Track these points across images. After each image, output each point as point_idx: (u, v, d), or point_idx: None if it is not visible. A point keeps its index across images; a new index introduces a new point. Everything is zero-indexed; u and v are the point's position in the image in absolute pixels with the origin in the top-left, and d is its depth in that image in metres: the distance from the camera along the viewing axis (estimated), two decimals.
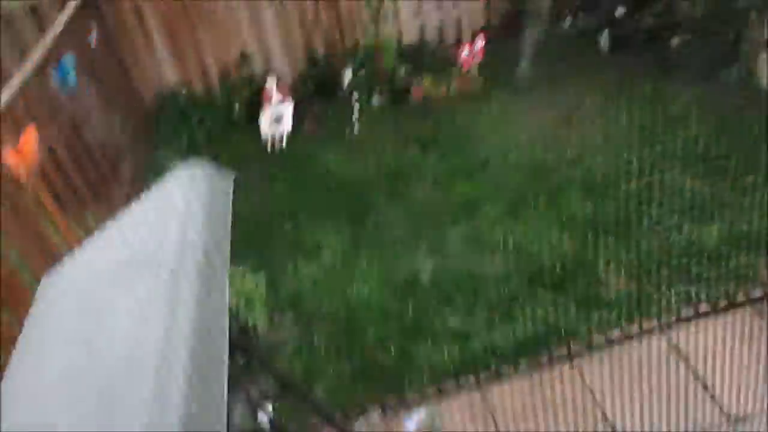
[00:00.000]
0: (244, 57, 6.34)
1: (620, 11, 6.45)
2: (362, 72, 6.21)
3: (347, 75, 6.25)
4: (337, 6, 6.33)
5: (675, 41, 6.02)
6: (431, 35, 6.77)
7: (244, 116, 6.26)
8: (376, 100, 6.15)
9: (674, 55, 5.93)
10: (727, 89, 5.48)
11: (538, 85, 6.01)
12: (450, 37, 6.82)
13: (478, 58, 6.07)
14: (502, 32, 6.71)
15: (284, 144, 5.93)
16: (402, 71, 6.20)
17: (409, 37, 6.69)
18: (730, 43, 5.43)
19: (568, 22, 6.67)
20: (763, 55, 5.40)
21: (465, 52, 6.05)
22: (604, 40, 6.39)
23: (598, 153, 5.19)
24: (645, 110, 5.51)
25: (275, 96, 6.04)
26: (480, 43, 6.05)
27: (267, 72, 6.32)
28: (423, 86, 6.07)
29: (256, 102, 6.14)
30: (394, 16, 6.52)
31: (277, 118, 5.97)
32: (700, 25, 5.63)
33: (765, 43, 5.33)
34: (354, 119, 6.01)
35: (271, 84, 6.07)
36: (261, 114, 6.00)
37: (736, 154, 4.91)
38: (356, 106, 6.09)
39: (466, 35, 6.76)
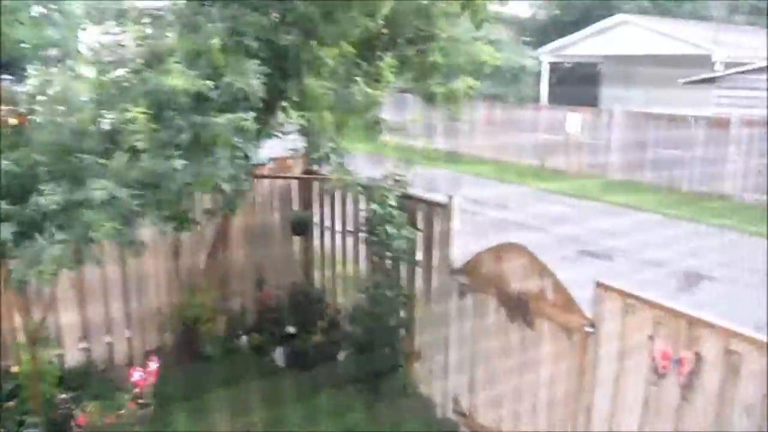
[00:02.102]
0: None
1: (291, 329, 6.89)
2: (12, 402, 5.37)
3: None
4: None
5: (341, 356, 6.53)
6: (99, 356, 6.31)
7: None
8: None
9: (342, 368, 6.38)
10: (391, 397, 5.97)
11: (218, 401, 5.86)
12: (121, 358, 6.43)
13: (152, 380, 5.75)
14: (176, 353, 6.58)
15: None
16: (63, 398, 5.52)
17: (74, 359, 6.14)
18: (388, 355, 6.05)
19: (244, 339, 6.85)
20: (416, 365, 6.11)
21: (138, 374, 5.70)
22: (278, 355, 6.66)
23: None
24: (324, 424, 5.66)
25: None
26: (153, 364, 5.79)
27: None
28: (89, 413, 5.43)
29: None
30: (55, 339, 5.98)
31: None
32: (361, 341, 6.23)
33: (417, 355, 6.07)
34: None
35: None
36: None
37: None
38: None
39: (139, 357, 6.45)
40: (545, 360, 4.76)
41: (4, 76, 7.42)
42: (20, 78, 5.13)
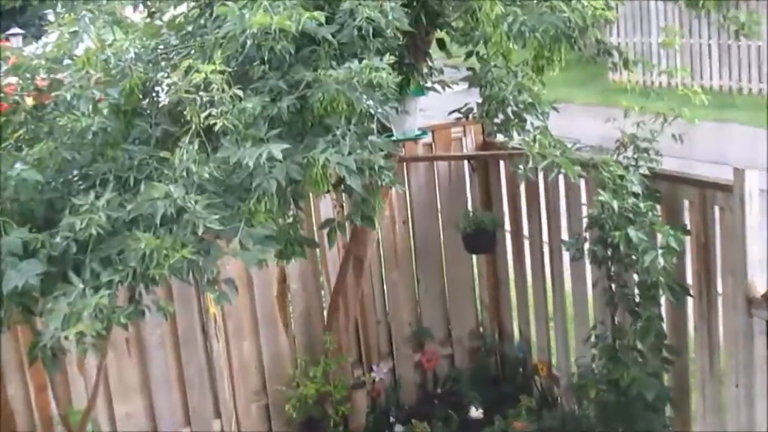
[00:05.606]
0: None
1: (475, 412, 6.97)
2: None
3: None
4: None
5: None
6: None
7: None
8: None
9: None
10: None
11: None
12: None
13: None
14: None
15: None
16: None
17: None
18: None
19: (400, 429, 7.00)
20: None
21: None
22: None
23: None
24: None
25: None
26: None
27: None
28: None
29: None
30: None
31: None
32: (597, 428, 6.16)
33: None
34: None
35: None
36: None
37: None
38: None
39: None
40: None
41: (13, 31, 8.00)
42: (37, 32, 5.54)
